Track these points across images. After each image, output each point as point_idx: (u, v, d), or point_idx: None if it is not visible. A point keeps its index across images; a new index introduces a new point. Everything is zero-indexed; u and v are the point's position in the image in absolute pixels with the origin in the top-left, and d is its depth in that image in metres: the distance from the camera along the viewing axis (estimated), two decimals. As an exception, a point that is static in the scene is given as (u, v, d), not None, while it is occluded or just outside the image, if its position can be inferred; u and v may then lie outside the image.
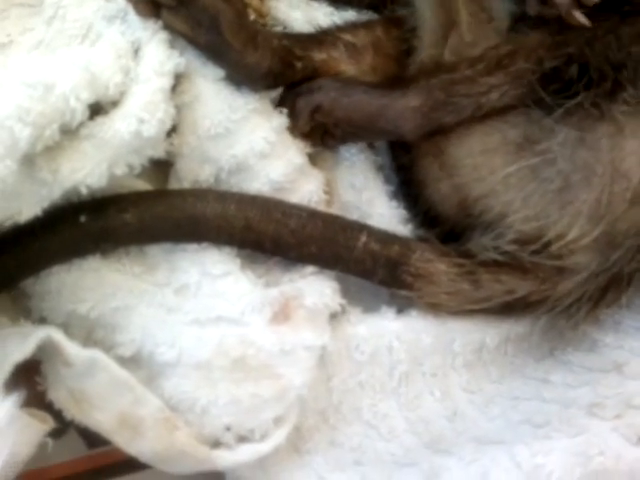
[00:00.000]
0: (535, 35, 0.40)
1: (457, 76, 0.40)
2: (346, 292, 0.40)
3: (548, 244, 0.37)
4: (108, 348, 0.36)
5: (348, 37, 0.45)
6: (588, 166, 0.37)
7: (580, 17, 0.37)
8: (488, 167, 0.39)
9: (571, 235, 0.37)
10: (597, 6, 0.37)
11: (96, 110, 0.35)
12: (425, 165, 0.42)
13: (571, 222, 0.37)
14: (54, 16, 0.40)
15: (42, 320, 0.38)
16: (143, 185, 0.40)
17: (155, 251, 0.39)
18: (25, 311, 0.38)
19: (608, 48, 0.39)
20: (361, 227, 0.40)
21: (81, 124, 0.34)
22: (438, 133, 0.40)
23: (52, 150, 0.33)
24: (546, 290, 0.38)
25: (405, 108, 0.40)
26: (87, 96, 0.33)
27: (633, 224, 0.37)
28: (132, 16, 0.39)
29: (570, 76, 0.38)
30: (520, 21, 0.41)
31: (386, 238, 0.40)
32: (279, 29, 0.46)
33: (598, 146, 0.37)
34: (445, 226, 0.42)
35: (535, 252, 0.37)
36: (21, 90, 0.31)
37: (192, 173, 0.40)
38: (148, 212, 0.37)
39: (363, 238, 0.39)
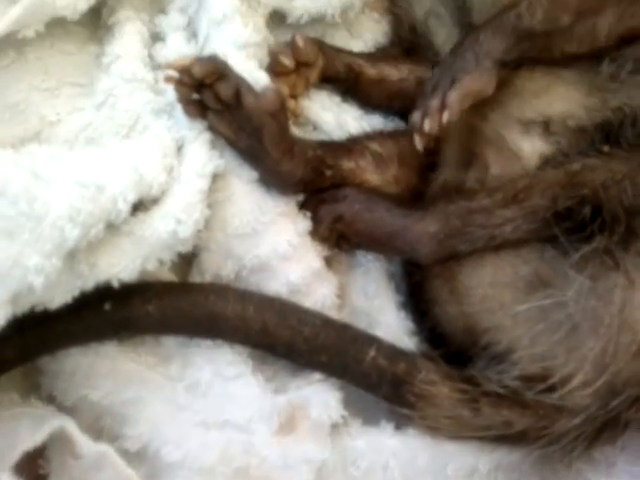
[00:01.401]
0: (552, 172, 0.45)
1: (474, 205, 0.44)
2: (347, 401, 0.44)
3: (552, 387, 0.41)
4: (114, 438, 0.39)
5: (375, 147, 0.49)
6: (598, 315, 0.41)
7: (418, 143, 0.45)
8: (498, 301, 0.44)
9: (576, 381, 0.40)
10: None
11: (136, 205, 0.39)
12: (436, 286, 0.47)
13: (577, 368, 0.41)
14: (104, 103, 0.44)
15: (51, 399, 0.41)
16: (167, 274, 0.43)
17: (170, 343, 0.43)
18: (35, 387, 0.41)
19: (623, 193, 0.43)
20: (371, 340, 0.44)
21: (123, 221, 0.37)
22: (451, 259, 0.44)
23: (92, 245, 0.36)
24: (544, 427, 0.41)
25: (422, 233, 0.44)
26: (133, 197, 0.37)
27: (635, 374, 0.41)
28: (179, 113, 0.43)
29: (583, 217, 0.43)
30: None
31: (394, 354, 0.44)
32: (309, 128, 0.51)
33: (610, 297, 0.41)
34: (451, 346, 0.46)
35: (538, 391, 0.41)
36: (74, 190, 0.35)
37: (215, 267, 0.44)
38: (171, 306, 0.41)
39: (372, 352, 0.43)
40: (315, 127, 0.51)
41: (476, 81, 0.45)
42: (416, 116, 0.46)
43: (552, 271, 0.43)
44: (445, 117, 0.44)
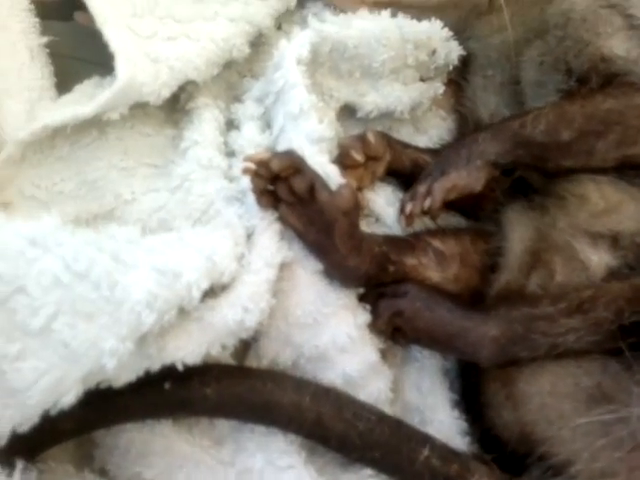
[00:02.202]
0: (618, 285, 0.47)
1: (538, 312, 0.46)
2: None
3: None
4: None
5: (438, 244, 0.52)
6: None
7: (401, 222, 0.51)
8: (557, 411, 0.44)
9: (635, 499, 0.41)
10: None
11: (206, 291, 0.41)
12: (492, 389, 0.48)
13: None
14: (180, 186, 0.47)
15: (104, 472, 0.43)
16: (227, 358, 0.45)
17: (224, 425, 0.45)
18: (88, 459, 0.43)
19: None
20: (425, 439, 0.45)
21: (194, 307, 0.40)
22: (511, 365, 0.46)
23: (163, 329, 0.39)
24: None
25: (484, 336, 0.46)
26: (206, 284, 0.40)
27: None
28: (251, 201, 0.46)
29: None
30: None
31: (447, 455, 0.45)
32: (372, 220, 0.54)
33: None
34: (505, 451, 0.47)
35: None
36: (152, 276, 0.38)
37: (273, 354, 0.46)
38: (228, 390, 0.43)
39: (425, 452, 0.44)
40: (378, 219, 0.54)
41: (463, 177, 0.50)
42: (405, 197, 0.52)
43: (616, 385, 0.44)
44: (426, 204, 0.49)
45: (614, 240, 0.49)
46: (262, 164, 0.43)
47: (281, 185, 0.44)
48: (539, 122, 0.50)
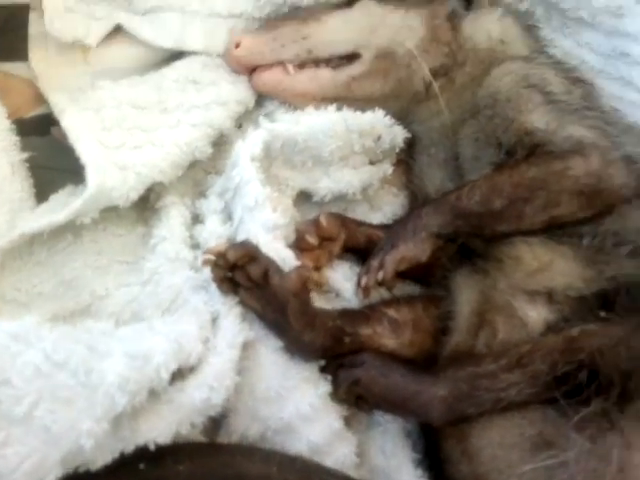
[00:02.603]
0: (553, 338, 0.52)
1: (481, 370, 0.51)
2: None
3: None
4: None
5: (392, 312, 0.57)
6: (598, 476, 0.46)
7: (358, 294, 0.57)
8: (506, 460, 0.49)
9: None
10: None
11: (174, 374, 0.46)
12: (449, 446, 0.52)
13: None
14: (150, 280, 0.53)
15: None
16: (197, 435, 0.49)
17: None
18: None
19: (618, 357, 0.50)
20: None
21: (163, 389, 0.45)
22: (462, 421, 0.50)
23: (136, 411, 0.43)
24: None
25: (433, 397, 0.51)
26: (174, 367, 0.45)
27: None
28: (214, 288, 0.52)
29: (581, 380, 0.49)
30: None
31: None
32: (332, 295, 0.60)
33: (609, 457, 0.47)
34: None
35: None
36: (124, 361, 0.43)
37: (242, 428, 0.51)
38: (201, 466, 0.47)
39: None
40: (337, 294, 0.60)
41: (411, 249, 0.56)
42: (360, 272, 0.58)
43: (555, 432, 0.48)
44: (380, 276, 0.55)
45: (549, 296, 0.55)
46: (220, 256, 0.49)
47: (239, 272, 0.50)
48: (474, 194, 0.57)
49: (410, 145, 0.69)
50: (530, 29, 0.71)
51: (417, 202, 0.67)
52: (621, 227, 0.55)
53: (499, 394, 0.50)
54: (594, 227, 0.55)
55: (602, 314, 0.53)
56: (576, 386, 0.49)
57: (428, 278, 0.62)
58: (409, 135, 0.68)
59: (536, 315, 0.54)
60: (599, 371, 0.49)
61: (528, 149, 0.58)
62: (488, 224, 0.57)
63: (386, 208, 0.67)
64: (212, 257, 0.49)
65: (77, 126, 0.56)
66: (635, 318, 0.51)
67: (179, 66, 0.64)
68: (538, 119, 0.59)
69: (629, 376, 0.49)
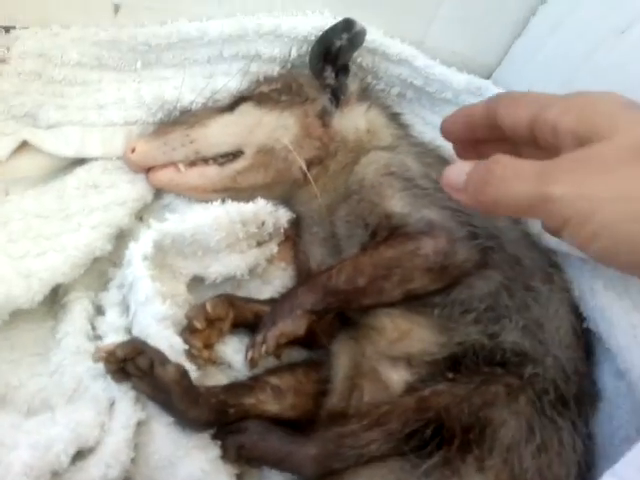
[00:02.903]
0: (407, 399, 0.62)
1: (346, 430, 0.61)
2: None
3: None
4: None
5: (275, 380, 0.67)
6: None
7: (245, 366, 0.66)
8: None
9: None
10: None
11: (75, 455, 0.55)
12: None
13: None
14: (56, 371, 0.62)
15: None
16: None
17: None
18: None
19: (461, 413, 0.60)
20: None
21: (64, 470, 0.54)
22: (332, 474, 0.60)
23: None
24: None
25: (305, 456, 0.60)
26: (73, 451, 0.54)
27: None
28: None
29: (426, 436, 0.59)
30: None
31: None
32: (225, 366, 0.69)
33: None
34: None
35: None
36: (28, 452, 0.52)
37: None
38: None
39: None
40: (229, 366, 0.69)
41: (288, 326, 0.65)
42: (247, 346, 0.67)
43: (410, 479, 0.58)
44: (263, 350, 0.64)
45: (408, 361, 0.65)
46: (110, 353, 0.58)
47: (129, 364, 0.59)
48: (341, 274, 0.67)
49: (296, 224, 0.79)
50: (395, 116, 0.82)
51: (302, 275, 0.78)
52: (467, 296, 0.66)
53: (361, 450, 0.59)
54: (444, 297, 0.66)
55: (450, 375, 0.63)
56: (423, 441, 0.59)
57: (312, 344, 0.72)
58: (294, 215, 0.78)
59: (397, 378, 0.64)
60: (444, 426, 0.59)
61: (388, 231, 0.69)
62: (355, 299, 0.67)
63: (276, 282, 0.77)
64: (103, 354, 0.58)
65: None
66: (477, 377, 0.62)
67: (80, 173, 0.74)
68: (396, 204, 0.70)
69: (469, 429, 0.59)
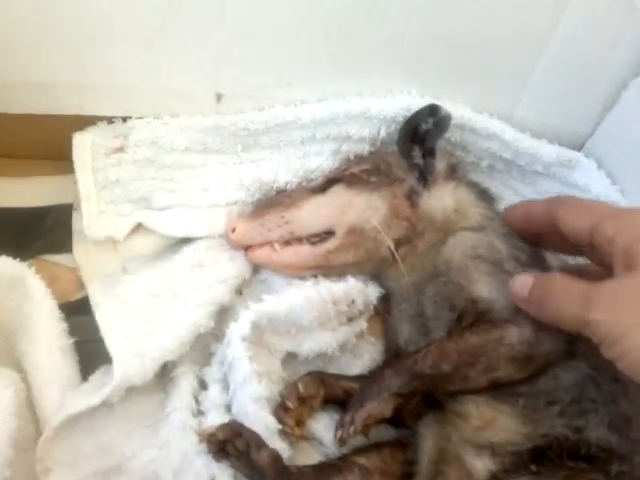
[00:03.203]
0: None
1: None
2: None
3: None
4: None
5: (362, 461, 0.71)
6: None
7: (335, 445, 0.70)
8: None
9: None
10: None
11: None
12: None
13: None
14: (164, 445, 0.70)
15: None
16: None
17: None
18: None
19: None
20: None
21: None
22: None
23: None
24: None
25: None
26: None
27: None
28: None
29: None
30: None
31: None
32: (315, 442, 0.74)
33: None
34: None
35: None
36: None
37: None
38: None
39: None
40: (320, 442, 0.74)
41: (375, 407, 0.68)
42: (336, 425, 0.70)
43: None
44: (351, 430, 0.67)
45: (492, 450, 0.67)
46: (211, 435, 0.65)
47: (228, 445, 0.65)
48: (427, 359, 0.70)
49: (386, 298, 0.83)
50: (484, 193, 0.84)
51: (390, 350, 0.82)
52: (552, 387, 0.67)
53: None
54: (530, 387, 0.67)
55: (533, 467, 0.64)
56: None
57: (399, 422, 0.75)
58: (383, 292, 0.83)
59: (482, 466, 0.66)
60: None
61: (474, 316, 0.71)
62: (440, 384, 0.70)
63: (366, 356, 0.82)
64: (205, 436, 0.65)
65: (107, 320, 0.74)
66: (561, 472, 0.63)
67: (187, 252, 0.81)
68: (483, 288, 0.72)
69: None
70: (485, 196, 0.84)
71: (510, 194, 0.93)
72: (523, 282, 0.65)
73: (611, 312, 0.57)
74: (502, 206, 0.88)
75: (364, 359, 0.82)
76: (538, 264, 0.75)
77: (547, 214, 0.69)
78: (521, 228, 0.74)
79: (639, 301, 0.56)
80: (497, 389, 0.68)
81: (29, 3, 0.72)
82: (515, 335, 0.67)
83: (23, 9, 0.72)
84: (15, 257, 0.77)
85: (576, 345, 0.68)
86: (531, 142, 0.88)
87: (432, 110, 0.80)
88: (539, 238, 0.73)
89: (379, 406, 0.70)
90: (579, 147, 0.91)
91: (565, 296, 0.61)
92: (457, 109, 0.86)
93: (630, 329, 0.56)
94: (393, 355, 0.81)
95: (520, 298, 0.65)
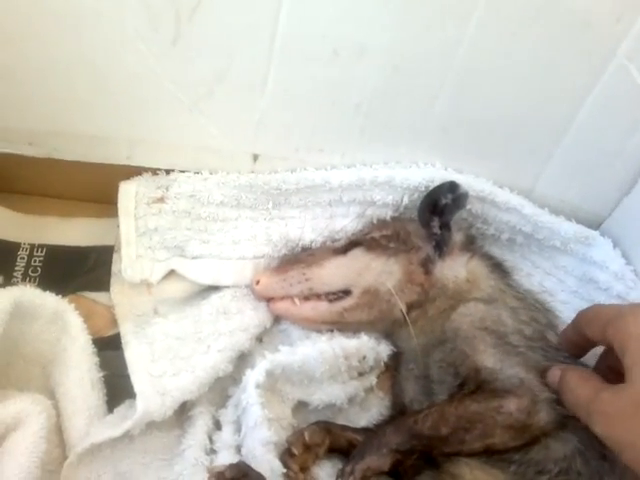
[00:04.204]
0: None
1: None
2: None
3: None
4: None
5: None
6: None
7: None
8: None
9: None
10: None
11: None
12: None
13: None
14: (177, 479, 0.77)
15: None
16: None
17: None
18: None
19: None
20: None
21: None
22: None
23: None
24: None
25: None
26: None
27: None
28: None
29: None
30: None
31: None
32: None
33: None
34: None
35: None
36: None
37: None
38: None
39: None
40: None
41: (374, 461, 0.76)
42: (337, 474, 0.77)
43: None
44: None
45: None
46: (220, 472, 0.72)
47: (236, 484, 0.73)
48: (427, 420, 0.77)
49: (396, 356, 0.91)
50: (498, 267, 0.92)
51: (396, 407, 0.89)
52: (543, 457, 0.73)
53: None
54: (523, 455, 0.73)
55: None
56: None
57: (397, 475, 0.82)
58: (394, 350, 0.90)
59: None
60: None
61: (476, 384, 0.78)
62: (437, 445, 0.76)
63: (373, 410, 0.89)
64: (214, 475, 0.73)
65: (135, 358, 0.83)
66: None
67: (214, 300, 0.90)
68: (487, 359, 0.79)
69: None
70: (499, 269, 0.91)
71: (529, 267, 0.99)
72: (553, 375, 0.75)
73: (607, 429, 0.63)
74: (521, 278, 0.96)
75: (372, 412, 0.89)
76: (543, 338, 0.82)
77: (578, 332, 0.76)
78: (580, 353, 0.80)
79: (630, 417, 0.61)
80: (491, 454, 0.75)
81: (89, 67, 0.83)
82: (514, 404, 0.74)
83: (84, 73, 0.83)
84: (57, 292, 0.87)
85: (569, 418, 0.74)
86: (550, 217, 0.95)
87: (452, 187, 0.89)
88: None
89: (378, 460, 0.77)
90: (596, 226, 0.98)
91: (575, 400, 0.69)
92: (479, 182, 0.94)
93: (624, 448, 0.61)
94: (398, 412, 0.88)
95: (553, 387, 0.74)
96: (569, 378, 0.71)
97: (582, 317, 0.75)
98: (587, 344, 0.76)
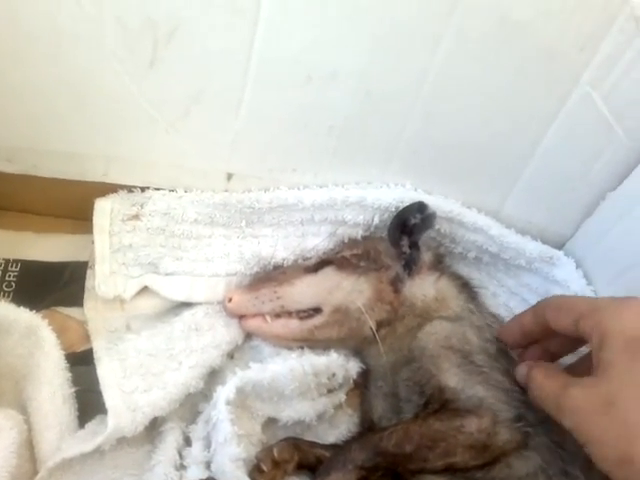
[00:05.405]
0: None
1: None
2: None
3: None
4: None
5: (327, 524, 0.80)
6: None
7: None
8: None
9: None
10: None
11: None
12: None
13: None
14: (146, 494, 0.79)
15: None
16: None
17: None
18: None
19: None
20: None
21: None
22: None
23: None
24: None
25: None
26: None
27: None
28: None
29: None
30: None
31: None
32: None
33: None
34: None
35: None
36: None
37: None
38: None
39: None
40: (292, 506, 0.84)
41: (340, 478, 0.78)
42: None
43: None
44: None
45: None
46: (193, 488, 0.75)
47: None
48: (391, 438, 0.80)
49: (365, 374, 0.94)
50: (466, 287, 0.95)
51: (364, 424, 0.91)
52: (505, 475, 0.76)
53: None
54: (485, 473, 0.76)
55: None
56: None
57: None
58: (363, 367, 0.93)
59: None
60: None
61: (440, 403, 0.81)
62: (401, 462, 0.79)
63: (342, 426, 0.92)
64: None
65: (106, 374, 0.85)
66: None
67: (186, 316, 0.93)
68: (450, 378, 0.82)
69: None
70: (466, 289, 0.95)
71: (495, 285, 1.03)
72: (520, 372, 0.78)
73: (576, 423, 0.64)
74: (486, 296, 0.99)
75: (340, 429, 0.91)
76: (506, 356, 0.85)
77: (537, 321, 0.78)
78: (518, 343, 0.84)
79: (599, 413, 0.62)
80: (454, 472, 0.78)
81: (67, 87, 0.85)
82: (474, 424, 0.77)
83: (62, 92, 0.85)
84: (31, 307, 0.89)
85: (531, 437, 0.77)
86: (515, 238, 0.99)
87: (421, 207, 0.92)
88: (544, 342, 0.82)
89: (344, 476, 0.79)
90: (560, 246, 1.02)
91: (543, 396, 0.71)
92: (448, 203, 0.98)
93: (592, 443, 0.62)
94: (367, 428, 0.91)
95: (523, 385, 0.77)
96: (535, 374, 0.73)
97: (546, 306, 0.77)
98: (545, 333, 0.78)
